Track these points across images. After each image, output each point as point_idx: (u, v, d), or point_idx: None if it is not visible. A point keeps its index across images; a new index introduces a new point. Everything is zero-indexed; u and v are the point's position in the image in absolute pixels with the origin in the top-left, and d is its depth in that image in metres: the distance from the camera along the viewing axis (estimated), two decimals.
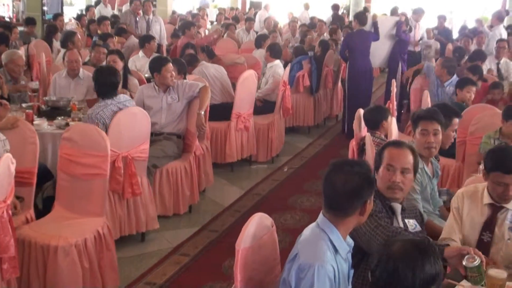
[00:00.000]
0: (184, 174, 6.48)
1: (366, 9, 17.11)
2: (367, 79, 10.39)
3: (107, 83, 5.80)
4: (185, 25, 12.06)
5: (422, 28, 13.08)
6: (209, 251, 5.80)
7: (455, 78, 8.07)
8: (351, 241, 3.13)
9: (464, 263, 3.17)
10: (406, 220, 3.78)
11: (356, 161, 3.23)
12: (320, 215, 3.09)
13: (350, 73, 10.30)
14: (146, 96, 6.65)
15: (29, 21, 12.86)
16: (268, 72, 9.18)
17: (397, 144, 3.87)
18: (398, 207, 3.74)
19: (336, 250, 2.98)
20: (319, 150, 9.58)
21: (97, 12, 16.68)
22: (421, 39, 12.74)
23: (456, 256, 3.28)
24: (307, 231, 3.08)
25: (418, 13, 13.12)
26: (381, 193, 3.72)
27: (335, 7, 18.82)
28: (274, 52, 9.37)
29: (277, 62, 9.31)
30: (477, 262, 3.14)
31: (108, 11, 16.30)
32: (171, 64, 6.70)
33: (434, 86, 8.20)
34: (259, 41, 11.26)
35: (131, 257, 5.60)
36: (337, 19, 17.65)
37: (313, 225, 3.10)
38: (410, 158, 3.76)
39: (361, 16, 10.65)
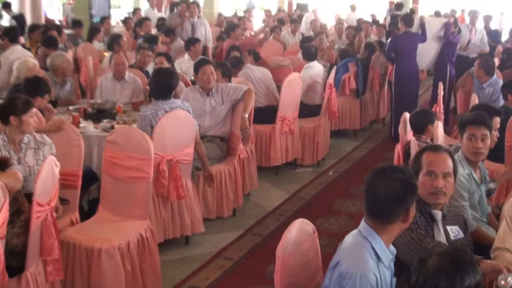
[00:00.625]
0: (228, 177, 6.45)
1: (412, 11, 16.88)
2: (414, 82, 10.22)
3: (163, 85, 5.80)
4: (230, 27, 12.07)
5: (479, 32, 12.58)
6: (253, 255, 5.77)
7: (494, 78, 7.98)
8: (393, 249, 3.06)
9: (499, 282, 3.07)
10: (448, 227, 3.68)
11: (398, 167, 3.14)
12: (362, 222, 3.02)
13: (397, 75, 10.16)
14: (191, 98, 6.64)
15: (76, 24, 13.04)
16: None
17: (434, 148, 3.79)
18: (438, 214, 3.64)
19: (378, 258, 2.91)
20: (365, 154, 9.47)
21: (144, 14, 16.82)
22: (469, 42, 12.32)
23: (491, 272, 3.21)
24: (348, 239, 3.02)
25: (473, 15, 12.72)
26: (421, 200, 3.62)
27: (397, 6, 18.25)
28: (307, 54, 9.27)
29: (312, 64, 9.15)
30: (510, 282, 3.04)
31: (155, 14, 16.42)
32: (209, 66, 6.64)
33: (475, 88, 8.07)
34: (304, 43, 11.17)
35: (175, 260, 5.60)
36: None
37: (355, 232, 3.03)
38: (449, 162, 3.67)
39: (407, 18, 10.51)
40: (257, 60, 9.34)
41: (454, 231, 3.69)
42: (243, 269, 5.50)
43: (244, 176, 6.96)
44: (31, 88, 5.80)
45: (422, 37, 10.35)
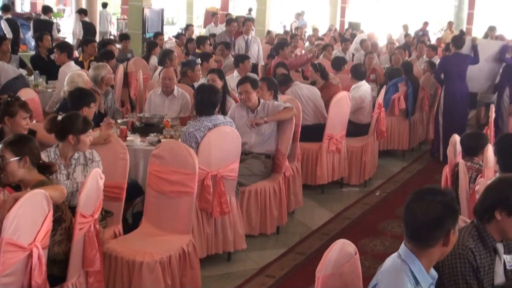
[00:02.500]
0: (273, 194, 6.42)
1: (463, 32, 16.68)
2: (463, 103, 10.05)
3: (206, 101, 5.81)
4: (279, 45, 12.04)
5: None
6: (295, 274, 5.71)
7: None
8: (435, 273, 3.00)
9: None
10: (505, 256, 3.54)
11: (439, 189, 3.03)
12: (402, 245, 2.97)
13: (446, 96, 10.01)
14: (237, 115, 6.65)
15: (123, 37, 13.22)
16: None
17: None
18: (501, 247, 3.47)
19: (417, 283, 2.86)
20: (413, 175, 9.35)
21: (207, 30, 16.98)
22: None
23: None
24: (388, 261, 2.97)
25: None
26: (487, 233, 3.42)
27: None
28: (356, 73, 9.20)
29: (360, 83, 9.08)
30: None
31: (217, 30, 16.54)
32: (245, 84, 6.64)
33: None
34: (336, 62, 11.02)
35: (216, 276, 5.58)
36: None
37: (395, 255, 2.98)
38: None
39: (457, 40, 10.40)
40: (325, 78, 9.16)
41: (509, 260, 3.55)
42: None
43: (289, 193, 6.92)
44: (76, 100, 5.89)
45: (474, 58, 10.16)
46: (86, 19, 16.10)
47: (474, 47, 10.31)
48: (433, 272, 3.00)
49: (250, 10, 21.89)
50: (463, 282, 3.26)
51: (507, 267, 3.51)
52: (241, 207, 6.10)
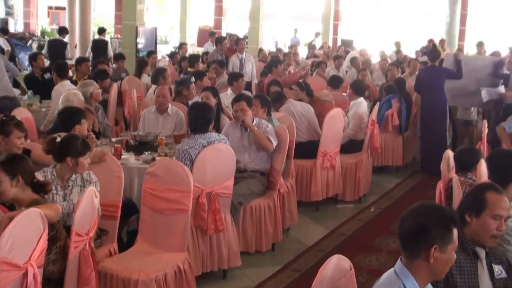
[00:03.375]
0: (268, 211, 6.43)
1: (435, 45, 16.79)
2: (440, 116, 10.17)
3: (200, 118, 5.84)
4: (273, 62, 12.08)
5: None
6: None
7: None
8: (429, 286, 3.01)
9: None
10: (493, 265, 3.60)
11: (434, 204, 3.07)
12: (398, 261, 3.00)
13: (422, 109, 10.37)
14: (231, 133, 6.66)
15: (119, 57, 13.23)
16: (350, 110, 9.04)
17: (497, 188, 3.64)
18: (482, 251, 3.58)
19: None
20: (408, 191, 9.36)
21: (204, 49, 17.02)
22: None
23: None
24: (384, 276, 2.99)
25: None
26: (466, 238, 3.57)
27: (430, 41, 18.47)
28: (357, 89, 9.27)
29: (360, 99, 9.17)
30: None
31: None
32: (240, 103, 6.66)
33: None
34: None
35: None
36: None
37: (391, 270, 3.00)
38: (508, 203, 3.61)
39: (431, 53, 10.83)
40: (310, 96, 9.26)
41: (497, 270, 3.62)
42: None
43: (284, 210, 6.93)
44: (67, 119, 5.90)
45: (455, 73, 10.29)
46: (96, 36, 16.32)
47: (458, 62, 10.38)
48: (429, 286, 3.02)
49: (241, 38, 21.90)
50: None
51: (496, 276, 3.55)
52: (238, 224, 6.10)
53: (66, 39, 16.45)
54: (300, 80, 10.02)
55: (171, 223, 5.05)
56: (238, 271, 5.98)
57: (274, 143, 6.56)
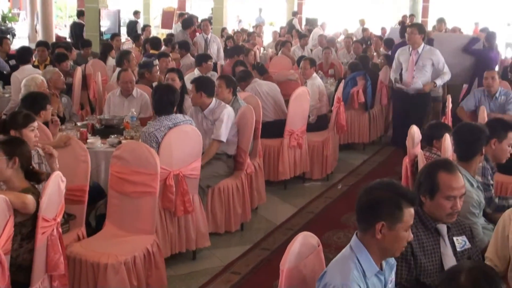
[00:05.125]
0: (236, 192, 6.45)
1: (404, 23, 16.96)
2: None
3: (165, 100, 5.80)
4: (236, 51, 11.86)
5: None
6: (261, 270, 5.74)
7: (501, 87, 8.17)
8: (393, 262, 3.10)
9: None
10: (454, 238, 3.67)
11: (394, 184, 3.07)
12: (354, 235, 3.06)
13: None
14: (195, 117, 6.64)
15: (85, 44, 13.07)
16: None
17: (449, 167, 3.64)
18: (443, 228, 3.64)
19: (364, 271, 2.94)
20: (374, 167, 9.44)
21: (174, 30, 16.98)
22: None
23: None
24: (342, 251, 3.05)
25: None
26: (426, 215, 3.64)
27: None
28: (314, 63, 9.51)
29: (314, 75, 9.33)
30: None
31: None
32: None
33: (480, 101, 8.07)
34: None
35: (182, 275, 5.58)
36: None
37: (348, 245, 3.06)
38: (462, 180, 3.64)
39: (401, 29, 11.37)
40: (262, 74, 9.35)
41: (461, 241, 3.68)
42: (251, 284, 5.48)
43: (252, 190, 6.94)
44: (31, 104, 5.80)
45: None
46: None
47: (430, 41, 10.49)
48: (391, 260, 3.09)
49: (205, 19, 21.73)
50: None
51: (458, 249, 3.62)
52: (206, 205, 6.11)
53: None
54: (258, 60, 10.07)
55: (139, 205, 5.03)
56: (207, 252, 6.00)
57: (223, 137, 6.45)
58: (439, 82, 8.73)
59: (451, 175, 3.59)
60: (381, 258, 3.02)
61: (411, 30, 8.71)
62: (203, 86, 6.58)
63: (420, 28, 8.89)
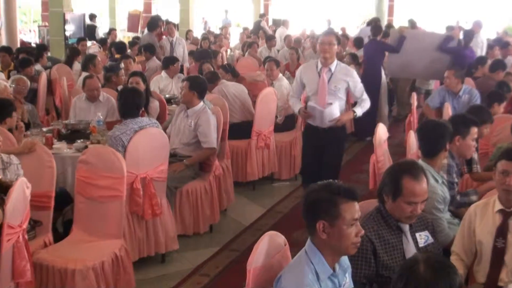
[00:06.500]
0: (204, 193, 6.44)
1: (376, 19, 17.15)
2: (375, 86, 10.79)
3: (131, 104, 5.79)
4: (203, 55, 11.83)
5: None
6: (230, 271, 5.75)
7: (466, 86, 8.22)
8: (347, 265, 3.14)
9: None
10: (417, 234, 3.71)
11: (331, 182, 3.09)
12: (308, 239, 3.09)
13: (362, 78, 10.59)
14: (177, 113, 6.67)
15: (41, 48, 12.93)
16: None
17: (414, 173, 3.63)
18: (405, 225, 3.67)
19: (317, 273, 2.97)
20: (343, 166, 9.42)
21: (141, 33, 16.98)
22: None
23: None
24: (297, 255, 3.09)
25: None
26: (388, 214, 3.67)
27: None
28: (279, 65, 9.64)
29: (280, 76, 9.43)
30: None
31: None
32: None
33: (445, 99, 8.16)
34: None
35: (151, 278, 5.57)
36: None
37: (302, 249, 3.09)
38: (426, 186, 3.65)
39: (373, 28, 11.68)
40: (236, 76, 9.37)
41: (423, 237, 3.72)
42: (220, 286, 5.49)
43: (221, 192, 6.94)
44: None
45: (393, 47, 10.94)
46: None
47: (401, 38, 10.71)
48: (344, 263, 3.12)
49: (170, 22, 21.53)
50: (351, 261, 3.39)
51: (421, 245, 3.66)
52: (175, 207, 6.12)
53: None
54: (225, 62, 10.08)
55: (106, 210, 5.01)
56: (176, 255, 5.99)
57: (215, 144, 6.53)
58: (359, 111, 6.55)
59: (415, 181, 3.60)
60: (335, 259, 3.05)
61: (328, 39, 6.31)
62: (198, 86, 6.67)
63: (338, 37, 6.66)
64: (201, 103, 6.62)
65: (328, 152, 6.52)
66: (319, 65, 6.39)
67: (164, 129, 6.61)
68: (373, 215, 3.69)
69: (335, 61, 6.42)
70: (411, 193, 3.57)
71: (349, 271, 3.20)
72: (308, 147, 6.74)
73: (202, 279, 5.57)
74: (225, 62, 11.97)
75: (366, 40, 13.02)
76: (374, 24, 12.76)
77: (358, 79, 6.59)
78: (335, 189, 3.01)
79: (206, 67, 9.35)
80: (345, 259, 3.14)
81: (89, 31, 18.38)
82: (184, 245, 6.10)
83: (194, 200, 6.34)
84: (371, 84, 10.60)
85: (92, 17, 20.44)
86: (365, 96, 6.60)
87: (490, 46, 12.39)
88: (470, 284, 4.05)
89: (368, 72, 10.96)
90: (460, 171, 5.21)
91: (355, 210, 3.00)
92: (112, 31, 17.76)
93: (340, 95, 6.41)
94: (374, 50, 11.13)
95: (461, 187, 5.64)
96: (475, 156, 5.55)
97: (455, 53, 10.71)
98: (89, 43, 16.00)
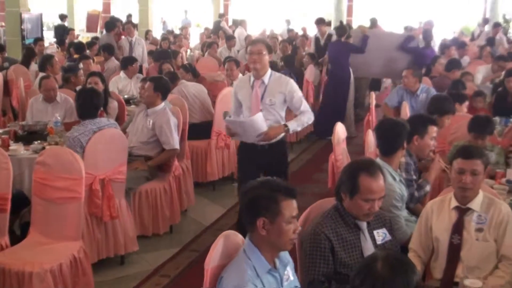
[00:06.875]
0: (164, 194, 6.42)
1: (342, 22, 17.29)
2: (342, 86, 11.07)
3: (89, 104, 5.74)
4: (163, 55, 11.75)
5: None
6: (190, 272, 5.74)
7: (423, 85, 8.33)
8: (286, 260, 3.18)
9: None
10: (375, 232, 3.75)
11: (270, 180, 3.15)
12: (246, 238, 3.12)
13: (328, 79, 11.29)
14: (136, 113, 6.63)
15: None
16: None
17: (371, 171, 3.66)
18: (363, 222, 3.71)
19: (256, 270, 2.99)
20: (302, 165, 9.54)
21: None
22: None
23: None
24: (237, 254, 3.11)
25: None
26: (346, 211, 3.70)
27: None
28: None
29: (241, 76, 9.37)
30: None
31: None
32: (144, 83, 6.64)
33: (403, 98, 8.25)
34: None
35: (110, 280, 5.53)
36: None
37: (242, 248, 3.12)
38: (383, 183, 3.69)
39: (338, 28, 11.63)
40: (196, 76, 9.36)
41: (381, 234, 3.76)
42: (180, 286, 5.47)
43: (181, 192, 6.91)
44: None
45: (357, 48, 10.98)
46: None
47: (364, 38, 10.80)
48: (284, 258, 3.16)
49: (128, 16, 21.29)
50: (309, 261, 3.53)
51: (379, 242, 3.70)
52: (134, 209, 6.09)
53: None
54: (185, 62, 10.07)
55: (64, 212, 4.94)
56: (136, 256, 5.96)
57: (176, 145, 6.52)
58: (293, 125, 5.75)
59: (372, 178, 3.63)
60: (273, 255, 3.09)
61: (256, 48, 5.62)
62: (162, 87, 6.68)
63: (268, 46, 5.91)
64: (163, 103, 6.60)
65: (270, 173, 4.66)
66: (252, 78, 5.74)
67: (123, 130, 6.61)
68: (331, 213, 3.71)
69: (269, 72, 5.71)
70: (368, 190, 3.60)
71: (291, 266, 3.24)
72: (244, 164, 5.95)
73: (162, 280, 5.55)
74: (185, 62, 11.93)
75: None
76: (339, 25, 12.79)
77: (297, 89, 5.80)
78: (275, 187, 3.05)
79: (166, 67, 9.33)
80: (285, 255, 3.19)
81: (58, 32, 18.06)
82: (144, 246, 6.07)
83: (153, 201, 6.31)
84: (339, 85, 11.02)
85: (63, 17, 20.05)
86: (305, 108, 5.81)
87: (447, 46, 12.54)
88: (427, 280, 4.11)
89: (335, 73, 11.09)
90: (418, 169, 5.28)
91: (294, 207, 3.05)
92: (70, 31, 17.57)
93: (277, 109, 5.70)
94: (340, 50, 11.13)
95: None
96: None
97: (416, 53, 10.84)
98: (46, 43, 15.82)
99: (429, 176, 5.23)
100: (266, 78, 5.67)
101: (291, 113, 5.93)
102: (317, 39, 13.40)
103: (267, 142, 5.62)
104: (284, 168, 5.97)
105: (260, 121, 5.47)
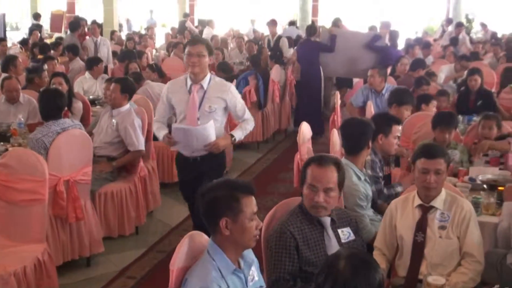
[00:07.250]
0: (129, 195, 6.38)
1: (313, 22, 17.36)
2: (314, 85, 11.13)
3: (52, 105, 5.68)
4: (128, 56, 11.66)
5: None
6: (157, 273, 5.72)
7: (389, 84, 8.44)
8: (251, 260, 3.19)
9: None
10: (339, 230, 3.77)
11: (228, 180, 3.22)
12: (209, 240, 3.12)
13: (301, 78, 11.33)
14: (102, 113, 6.60)
15: None
16: None
17: (320, 161, 3.74)
18: (326, 220, 3.73)
19: (221, 271, 3.00)
20: (269, 165, 9.55)
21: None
22: None
23: None
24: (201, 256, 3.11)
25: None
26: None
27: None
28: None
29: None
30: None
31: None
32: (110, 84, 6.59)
33: (368, 97, 8.32)
34: None
35: (76, 282, 5.49)
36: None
37: (205, 250, 3.11)
38: (334, 176, 3.70)
39: (308, 28, 11.64)
40: (162, 76, 9.33)
41: (345, 233, 3.79)
42: (147, 287, 5.44)
43: (147, 193, 6.88)
44: None
45: (327, 47, 11.02)
46: None
47: (333, 37, 10.85)
48: (249, 258, 3.17)
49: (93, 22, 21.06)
50: (275, 259, 3.56)
51: (343, 241, 3.72)
52: (99, 210, 6.05)
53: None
54: (151, 62, 10.03)
55: (28, 214, 4.88)
56: (102, 258, 5.92)
57: (141, 146, 6.49)
58: (239, 135, 5.50)
59: (319, 167, 3.69)
60: (237, 255, 3.10)
61: (196, 50, 5.16)
62: (128, 89, 6.62)
63: (209, 46, 5.36)
64: (128, 104, 6.56)
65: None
66: (189, 82, 5.31)
67: (90, 132, 6.55)
68: (296, 212, 3.73)
69: (208, 75, 5.30)
70: (311, 177, 3.67)
71: (256, 265, 3.24)
72: (182, 175, 5.69)
73: (128, 281, 5.52)
74: (151, 62, 11.88)
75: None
76: (311, 25, 12.82)
77: (238, 96, 5.53)
78: (233, 185, 3.08)
79: (133, 66, 9.29)
80: (249, 254, 3.20)
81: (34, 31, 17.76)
82: (110, 247, 6.04)
83: (119, 202, 6.27)
84: (310, 84, 11.09)
85: (37, 16, 19.57)
86: (248, 115, 5.62)
87: (411, 46, 12.66)
88: (392, 277, 4.15)
89: (306, 72, 11.16)
90: (383, 166, 5.33)
91: (253, 204, 3.08)
92: (33, 31, 17.36)
93: (217, 117, 5.32)
94: (309, 50, 11.14)
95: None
96: None
97: (383, 52, 10.92)
98: (9, 43, 15.61)
99: (405, 179, 5.31)
100: (205, 83, 5.28)
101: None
102: (268, 41, 13.58)
103: (198, 154, 5.30)
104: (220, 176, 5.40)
105: (212, 130, 5.18)
